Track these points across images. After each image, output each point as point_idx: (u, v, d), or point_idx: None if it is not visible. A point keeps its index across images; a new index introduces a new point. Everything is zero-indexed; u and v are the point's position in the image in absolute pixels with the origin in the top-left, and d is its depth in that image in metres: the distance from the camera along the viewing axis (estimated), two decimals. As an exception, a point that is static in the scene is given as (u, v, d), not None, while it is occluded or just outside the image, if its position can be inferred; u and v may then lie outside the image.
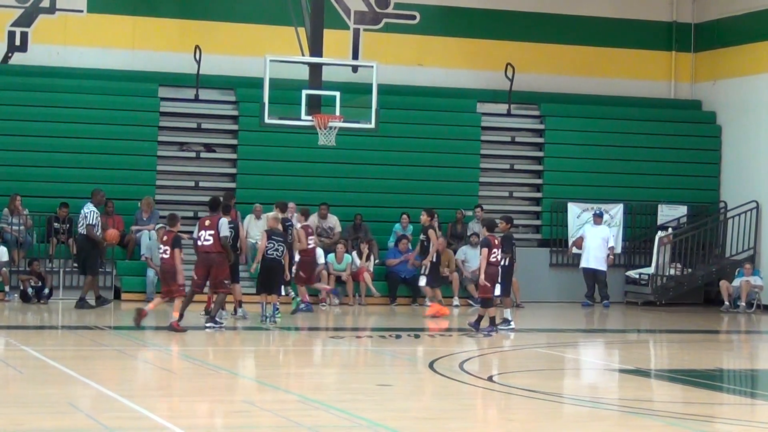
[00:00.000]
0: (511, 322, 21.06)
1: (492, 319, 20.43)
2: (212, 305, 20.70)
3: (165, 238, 20.18)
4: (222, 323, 20.43)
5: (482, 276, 20.22)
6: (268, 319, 21.13)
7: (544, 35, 30.16)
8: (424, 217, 23.74)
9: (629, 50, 30.95)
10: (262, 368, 17.21)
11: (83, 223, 23.66)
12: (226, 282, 20.27)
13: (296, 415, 12.38)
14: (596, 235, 27.59)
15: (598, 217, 27.82)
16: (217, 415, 12.41)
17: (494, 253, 20.22)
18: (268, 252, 21.27)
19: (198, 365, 16.84)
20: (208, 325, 20.10)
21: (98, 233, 23.78)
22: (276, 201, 22.69)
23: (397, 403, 13.74)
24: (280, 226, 21.53)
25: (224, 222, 20.04)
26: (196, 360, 17.34)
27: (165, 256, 19.95)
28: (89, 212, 23.67)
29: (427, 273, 23.75)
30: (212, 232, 20.00)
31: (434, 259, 23.79)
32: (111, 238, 23.85)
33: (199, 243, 20.08)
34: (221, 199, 21.64)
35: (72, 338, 19.77)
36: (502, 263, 20.43)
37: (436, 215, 24.08)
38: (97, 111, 26.94)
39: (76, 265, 25.06)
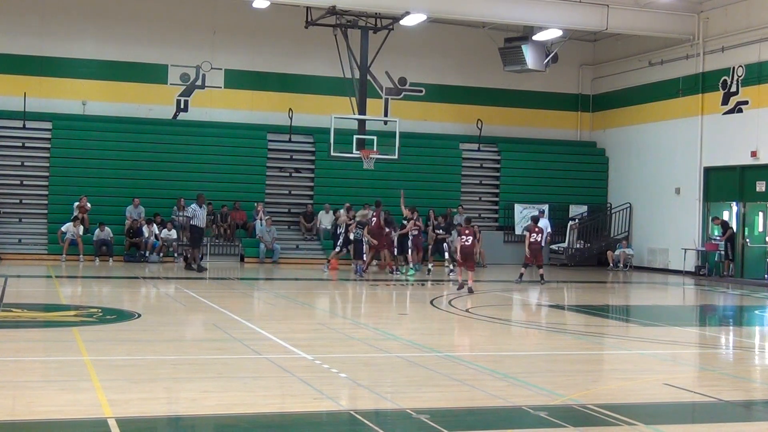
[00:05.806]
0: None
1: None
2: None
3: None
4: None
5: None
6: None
7: (501, 101, 30.06)
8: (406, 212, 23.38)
9: (553, 111, 30.83)
10: (327, 302, 17.37)
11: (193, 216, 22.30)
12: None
13: (350, 331, 12.59)
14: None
15: (541, 213, 27.58)
16: (300, 331, 12.58)
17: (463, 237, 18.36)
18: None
19: (290, 301, 16.93)
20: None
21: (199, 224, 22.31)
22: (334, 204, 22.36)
23: (411, 324, 13.90)
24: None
25: None
26: (288, 298, 17.45)
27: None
28: (195, 210, 22.32)
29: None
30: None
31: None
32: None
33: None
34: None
35: (214, 285, 19.95)
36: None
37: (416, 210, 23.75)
38: (230, 148, 27.02)
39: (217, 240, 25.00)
